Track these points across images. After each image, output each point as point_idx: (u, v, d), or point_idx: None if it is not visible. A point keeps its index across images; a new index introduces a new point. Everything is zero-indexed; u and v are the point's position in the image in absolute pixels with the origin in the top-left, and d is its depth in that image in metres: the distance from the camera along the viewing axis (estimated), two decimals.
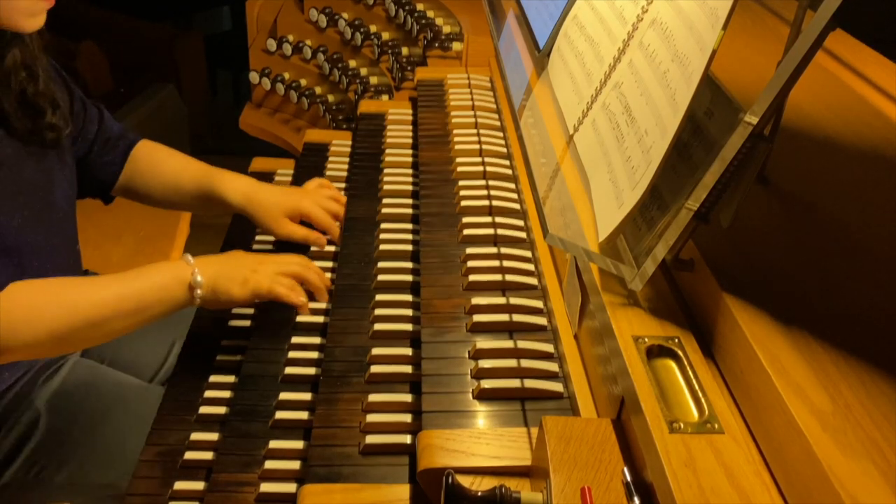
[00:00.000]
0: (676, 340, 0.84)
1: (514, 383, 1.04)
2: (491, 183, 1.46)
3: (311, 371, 1.24)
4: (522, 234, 1.34)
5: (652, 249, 0.85)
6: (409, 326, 1.24)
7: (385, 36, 2.27)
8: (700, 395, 0.78)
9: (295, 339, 1.29)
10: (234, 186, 1.49)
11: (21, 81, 1.23)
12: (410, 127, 1.79)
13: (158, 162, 1.54)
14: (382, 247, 1.40)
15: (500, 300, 1.18)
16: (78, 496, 1.33)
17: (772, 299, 0.82)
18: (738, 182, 0.83)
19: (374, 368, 1.16)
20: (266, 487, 1.06)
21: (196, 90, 4.07)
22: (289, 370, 1.24)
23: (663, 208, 0.88)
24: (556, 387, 1.04)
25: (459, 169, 1.51)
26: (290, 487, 1.06)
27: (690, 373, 0.81)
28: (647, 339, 0.84)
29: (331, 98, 2.37)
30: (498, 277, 1.23)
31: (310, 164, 1.79)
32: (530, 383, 1.04)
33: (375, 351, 1.18)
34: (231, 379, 1.25)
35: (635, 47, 1.03)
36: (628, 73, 1.02)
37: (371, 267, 1.37)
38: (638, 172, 0.88)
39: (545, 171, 1.12)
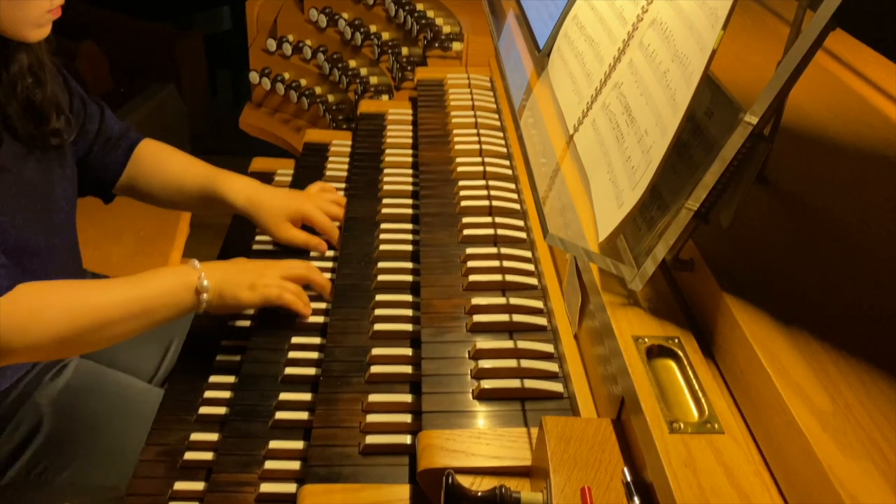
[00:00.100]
0: (676, 340, 0.84)
1: (514, 383, 1.04)
2: (491, 183, 1.46)
3: (311, 371, 1.23)
4: (522, 234, 1.34)
5: (652, 249, 0.85)
6: (409, 326, 1.24)
7: (385, 36, 2.27)
8: (700, 395, 0.78)
9: (295, 339, 1.29)
10: (237, 188, 1.49)
11: (27, 87, 1.23)
12: (410, 127, 1.79)
13: (161, 162, 1.54)
14: (382, 247, 1.40)
15: (500, 300, 1.18)
16: (79, 497, 1.33)
17: (772, 299, 0.82)
18: (738, 182, 0.83)
19: (374, 368, 1.16)
20: (266, 487, 1.06)
21: (196, 90, 4.07)
22: (289, 370, 1.24)
23: (663, 208, 0.88)
24: (556, 387, 1.04)
25: (459, 169, 1.51)
26: (290, 487, 1.06)
27: (690, 373, 0.81)
28: (647, 339, 0.84)
29: (331, 98, 2.37)
30: (498, 277, 1.23)
31: (310, 164, 1.79)
32: (530, 383, 1.04)
33: (375, 351, 1.18)
34: (231, 379, 1.25)
35: (635, 47, 1.03)
36: (628, 73, 1.02)
37: (371, 267, 1.37)
38: (638, 172, 0.88)
39: (545, 171, 1.12)
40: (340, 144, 1.84)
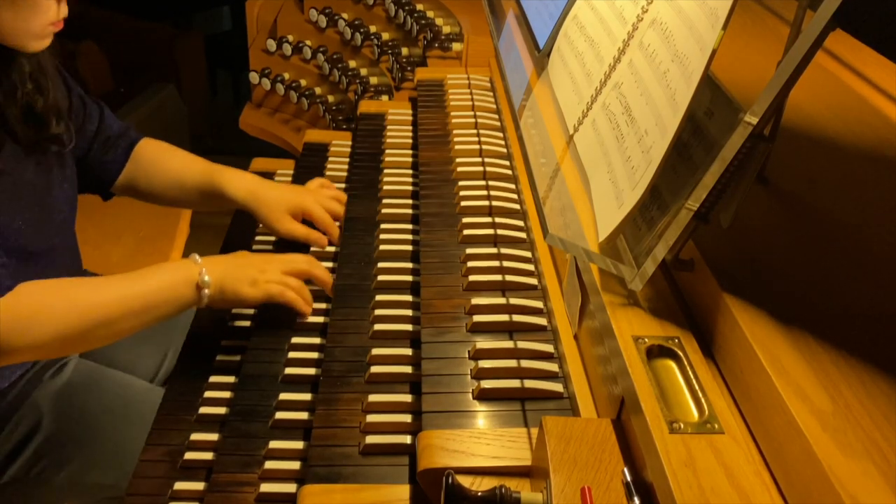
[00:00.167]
0: (676, 340, 0.84)
1: (514, 383, 1.04)
2: (491, 183, 1.46)
3: (311, 371, 1.23)
4: (522, 235, 1.34)
5: (652, 249, 0.85)
6: (409, 327, 1.24)
7: (385, 36, 2.27)
8: (700, 395, 0.78)
9: (295, 340, 1.29)
10: (238, 182, 1.49)
11: (28, 93, 1.23)
12: (410, 127, 1.79)
13: (161, 160, 1.54)
14: (382, 247, 1.40)
15: (500, 300, 1.18)
16: (78, 496, 1.33)
17: (772, 299, 0.82)
18: (738, 182, 0.83)
19: (374, 368, 1.16)
20: (266, 487, 1.06)
21: (196, 90, 4.07)
22: (289, 370, 1.24)
23: (663, 208, 0.88)
24: (556, 387, 1.04)
25: (459, 169, 1.51)
26: (290, 487, 1.06)
27: (690, 373, 0.81)
28: (647, 339, 0.84)
29: (331, 98, 2.37)
30: (498, 278, 1.23)
31: (310, 164, 1.79)
32: (530, 383, 1.04)
33: (375, 351, 1.18)
34: (231, 379, 1.25)
35: (635, 47, 1.03)
36: (628, 73, 1.02)
37: (371, 267, 1.37)
38: (638, 172, 0.88)
39: (545, 171, 1.12)
40: (340, 145, 1.84)
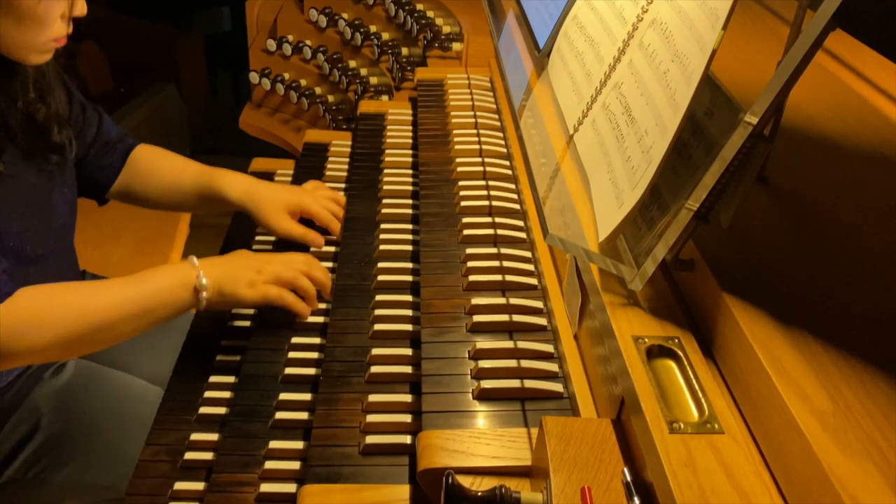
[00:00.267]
0: (676, 340, 0.84)
1: (514, 383, 1.04)
2: (491, 183, 1.46)
3: (311, 371, 1.23)
4: (522, 235, 1.34)
5: (652, 249, 0.85)
6: (409, 327, 1.24)
7: (385, 36, 2.27)
8: (700, 395, 0.78)
9: (295, 339, 1.29)
10: (235, 183, 1.49)
11: (30, 102, 1.23)
12: (410, 127, 1.79)
13: (157, 163, 1.54)
14: (382, 247, 1.40)
15: (500, 300, 1.18)
16: (78, 496, 1.33)
17: (772, 299, 0.82)
18: (738, 182, 0.83)
19: (374, 368, 1.16)
20: (266, 487, 1.06)
21: (196, 90, 4.08)
22: (289, 370, 1.24)
23: (663, 208, 0.88)
24: (556, 387, 1.04)
25: (459, 169, 1.51)
26: (290, 487, 1.06)
27: (690, 373, 0.81)
28: (647, 339, 0.84)
29: (331, 98, 2.37)
30: (498, 278, 1.23)
31: (310, 164, 1.79)
32: (530, 383, 1.04)
33: (375, 351, 1.18)
34: (231, 379, 1.25)
35: (635, 47, 1.03)
36: (628, 73, 1.02)
37: (371, 267, 1.37)
38: (638, 172, 0.88)
39: (545, 171, 1.12)
40: (340, 145, 1.84)
